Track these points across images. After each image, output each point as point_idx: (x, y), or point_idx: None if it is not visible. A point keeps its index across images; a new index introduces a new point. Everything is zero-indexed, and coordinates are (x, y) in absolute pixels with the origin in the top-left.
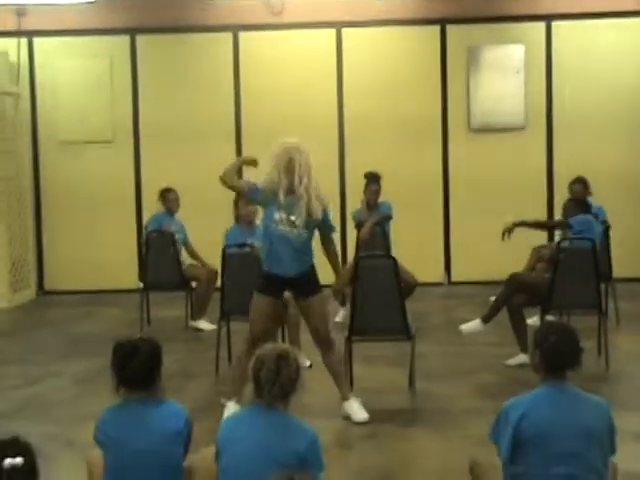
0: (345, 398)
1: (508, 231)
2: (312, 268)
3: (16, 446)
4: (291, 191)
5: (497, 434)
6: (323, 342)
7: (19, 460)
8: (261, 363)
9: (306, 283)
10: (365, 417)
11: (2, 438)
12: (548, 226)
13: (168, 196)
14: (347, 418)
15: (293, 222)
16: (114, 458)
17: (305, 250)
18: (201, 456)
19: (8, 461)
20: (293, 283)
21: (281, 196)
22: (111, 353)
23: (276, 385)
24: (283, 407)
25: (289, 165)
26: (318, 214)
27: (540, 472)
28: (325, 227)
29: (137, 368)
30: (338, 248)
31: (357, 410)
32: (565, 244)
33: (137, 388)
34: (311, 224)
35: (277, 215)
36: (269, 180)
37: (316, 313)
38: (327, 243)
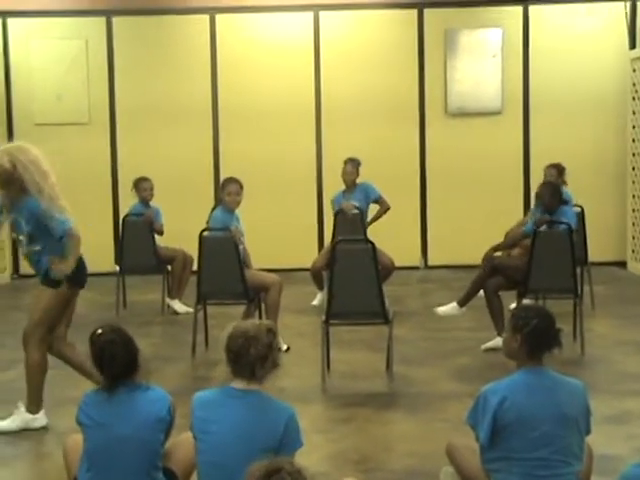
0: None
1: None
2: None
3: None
4: None
5: (475, 419)
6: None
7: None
8: (248, 337)
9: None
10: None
11: None
12: (514, 242)
13: (142, 186)
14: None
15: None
16: (94, 441)
17: None
18: (178, 440)
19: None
20: None
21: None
22: (89, 348)
23: (269, 359)
24: (258, 385)
25: None
26: None
27: (518, 456)
28: None
29: (116, 368)
30: (314, 231)
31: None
32: (542, 229)
33: (116, 381)
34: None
35: None
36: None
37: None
38: None
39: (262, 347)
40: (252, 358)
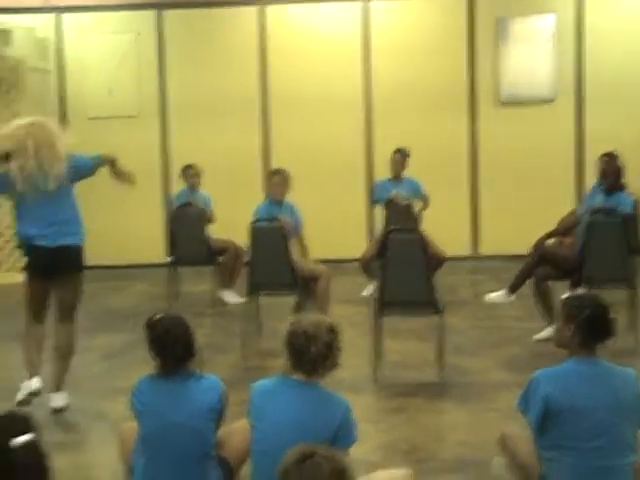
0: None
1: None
2: None
3: (21, 422)
4: None
5: (526, 404)
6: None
7: (26, 438)
8: (309, 336)
9: None
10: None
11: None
12: (567, 228)
13: (188, 172)
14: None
15: None
16: (148, 427)
17: None
18: (232, 429)
19: (16, 441)
20: None
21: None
22: (146, 336)
23: (329, 359)
24: (317, 379)
25: None
26: None
27: (571, 445)
28: None
29: (172, 353)
30: (363, 221)
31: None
32: (595, 218)
33: (174, 368)
34: None
35: None
36: None
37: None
38: None
39: (322, 346)
40: (313, 356)
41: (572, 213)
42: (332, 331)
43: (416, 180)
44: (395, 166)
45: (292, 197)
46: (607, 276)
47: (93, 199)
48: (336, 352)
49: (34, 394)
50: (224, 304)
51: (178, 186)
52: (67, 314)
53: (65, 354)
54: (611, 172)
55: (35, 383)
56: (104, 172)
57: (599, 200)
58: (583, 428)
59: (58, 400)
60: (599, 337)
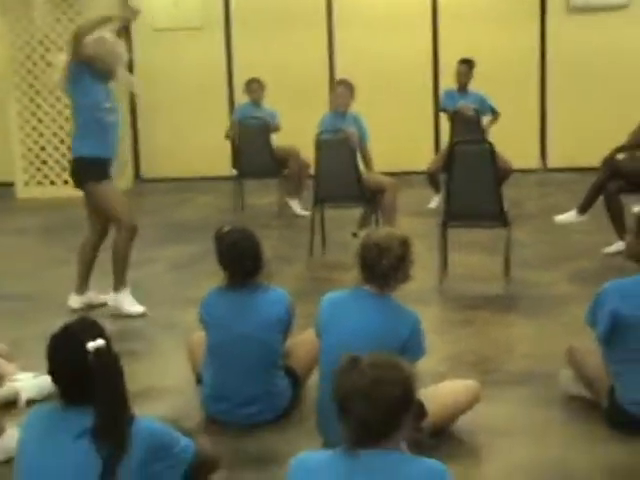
0: (116, 289)
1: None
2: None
3: (92, 328)
4: None
5: (594, 317)
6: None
7: (101, 342)
8: (381, 248)
9: None
10: (140, 310)
11: (73, 321)
12: (636, 141)
13: (251, 87)
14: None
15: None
16: (215, 338)
17: None
18: (299, 339)
19: (92, 344)
20: None
21: None
22: (214, 247)
23: (400, 271)
24: (389, 292)
25: None
26: None
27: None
28: None
29: (241, 266)
30: (430, 133)
31: (130, 302)
32: None
33: (243, 280)
34: None
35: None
36: None
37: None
38: None
39: (394, 259)
40: (384, 268)
41: None
42: (404, 243)
43: (482, 94)
44: (460, 77)
45: (357, 109)
46: None
47: (161, 112)
48: (408, 264)
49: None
50: (292, 214)
51: (242, 99)
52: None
53: (113, 258)
54: None
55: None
56: (171, 83)
57: None
58: None
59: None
60: None
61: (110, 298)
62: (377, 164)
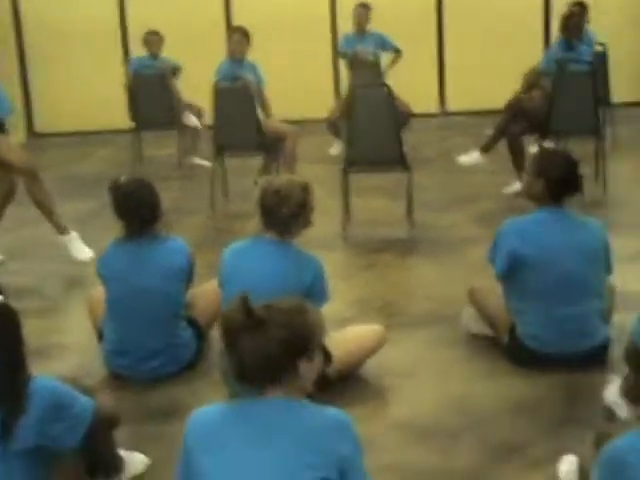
0: (60, 233)
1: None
2: None
3: None
4: None
5: (494, 253)
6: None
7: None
8: (281, 196)
9: None
10: (88, 256)
11: None
12: (532, 82)
13: (149, 39)
14: None
15: None
16: (115, 293)
17: None
18: (202, 290)
19: None
20: None
21: None
22: (110, 198)
23: (301, 218)
24: (290, 238)
25: None
26: None
27: (541, 294)
28: None
29: (137, 215)
30: (329, 79)
31: (78, 247)
32: (562, 67)
33: (140, 230)
34: None
35: None
36: None
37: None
38: None
39: (295, 206)
40: (285, 216)
41: (533, 70)
42: (305, 190)
43: (381, 33)
44: (358, 20)
45: (254, 56)
46: (575, 126)
47: (53, 65)
48: (309, 211)
49: None
50: (192, 164)
51: (138, 50)
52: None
53: (38, 208)
54: (573, 25)
55: None
56: (62, 34)
57: (560, 53)
58: (552, 275)
59: None
60: (568, 191)
61: (60, 241)
62: (277, 112)
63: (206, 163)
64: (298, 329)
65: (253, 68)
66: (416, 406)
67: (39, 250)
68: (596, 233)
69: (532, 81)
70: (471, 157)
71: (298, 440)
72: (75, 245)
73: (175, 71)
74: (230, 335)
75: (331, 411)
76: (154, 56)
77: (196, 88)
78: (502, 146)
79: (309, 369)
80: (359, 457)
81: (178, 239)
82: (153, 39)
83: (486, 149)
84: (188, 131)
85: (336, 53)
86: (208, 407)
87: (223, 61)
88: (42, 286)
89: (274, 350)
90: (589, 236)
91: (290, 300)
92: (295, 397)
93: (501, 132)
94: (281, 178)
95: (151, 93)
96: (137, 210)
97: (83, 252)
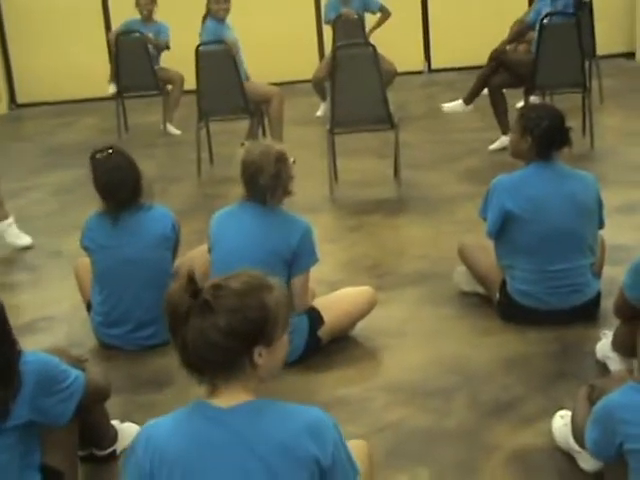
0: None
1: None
2: None
3: None
4: None
5: (486, 209)
6: None
7: None
8: (257, 167)
9: None
10: (26, 242)
11: None
12: (518, 34)
13: (139, 1)
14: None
15: None
16: (101, 264)
17: None
18: (190, 255)
19: None
20: None
21: None
22: (91, 172)
23: (278, 188)
24: (273, 205)
25: None
26: None
27: (532, 250)
28: None
29: (124, 193)
30: (314, 41)
31: (15, 234)
32: (547, 20)
33: (125, 205)
34: None
35: None
36: None
37: None
38: None
39: (269, 178)
40: (262, 187)
41: (520, 21)
42: (279, 160)
43: None
44: None
45: (236, 17)
46: (561, 80)
47: (34, 34)
48: (286, 180)
49: None
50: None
51: (120, 16)
52: None
53: None
54: None
55: None
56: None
57: (546, 6)
58: (543, 231)
59: None
60: (555, 147)
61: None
62: (260, 75)
63: (177, 132)
64: (251, 312)
65: (229, 29)
66: (408, 366)
67: (22, 222)
68: (588, 186)
69: (518, 30)
70: (455, 105)
71: (268, 457)
72: (11, 231)
73: (164, 45)
74: (173, 318)
75: (303, 413)
76: (145, 19)
77: (179, 52)
78: (488, 104)
79: (268, 357)
80: (342, 456)
81: (161, 207)
82: (143, 1)
83: (469, 99)
84: (172, 97)
85: (319, 15)
86: (161, 423)
87: (207, 21)
88: (27, 258)
89: (219, 337)
90: (581, 188)
91: (250, 276)
92: (253, 390)
93: (483, 82)
94: (258, 147)
95: (133, 57)
96: (121, 188)
97: (20, 238)
